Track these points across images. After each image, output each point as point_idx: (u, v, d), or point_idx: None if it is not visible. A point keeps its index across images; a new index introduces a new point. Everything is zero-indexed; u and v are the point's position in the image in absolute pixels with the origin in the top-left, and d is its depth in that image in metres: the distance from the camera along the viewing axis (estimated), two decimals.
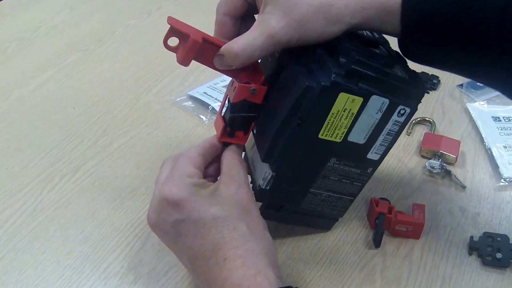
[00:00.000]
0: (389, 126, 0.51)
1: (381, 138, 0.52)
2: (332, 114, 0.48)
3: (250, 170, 0.57)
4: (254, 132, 0.54)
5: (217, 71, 0.51)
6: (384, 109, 0.49)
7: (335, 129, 0.49)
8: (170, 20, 0.48)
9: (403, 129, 0.52)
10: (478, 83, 0.83)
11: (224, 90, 0.82)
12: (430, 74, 0.86)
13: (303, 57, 0.49)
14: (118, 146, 0.74)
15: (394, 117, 0.50)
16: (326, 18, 0.46)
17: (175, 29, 0.48)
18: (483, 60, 0.47)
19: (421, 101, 0.51)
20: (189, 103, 0.81)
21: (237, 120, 0.53)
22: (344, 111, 0.48)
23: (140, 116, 0.79)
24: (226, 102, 0.54)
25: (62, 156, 0.72)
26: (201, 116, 0.79)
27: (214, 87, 0.83)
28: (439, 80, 0.86)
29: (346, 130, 0.49)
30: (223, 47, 0.49)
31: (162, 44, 0.49)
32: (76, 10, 1.06)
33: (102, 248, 0.60)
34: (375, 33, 0.53)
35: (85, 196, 0.66)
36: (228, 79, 0.83)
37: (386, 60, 0.49)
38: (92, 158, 0.72)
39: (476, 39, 0.45)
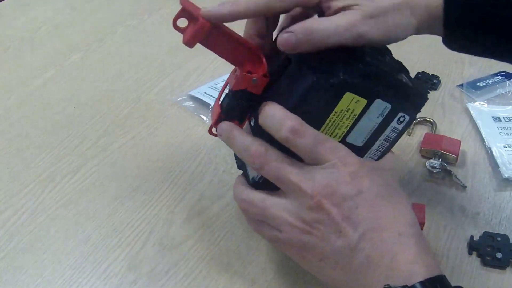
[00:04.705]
0: (387, 132, 0.51)
1: (378, 143, 0.52)
2: (335, 112, 0.48)
3: (242, 163, 0.57)
4: (252, 124, 0.54)
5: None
6: (385, 114, 0.50)
7: (336, 128, 0.49)
8: (183, 0, 0.48)
9: (400, 137, 0.52)
10: (478, 83, 0.84)
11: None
12: (430, 74, 0.86)
13: (312, 53, 0.49)
14: (119, 146, 0.74)
15: (393, 123, 0.51)
16: (404, 23, 0.50)
17: (186, 10, 0.48)
18: None
19: (420, 110, 0.52)
20: (190, 103, 0.82)
21: (234, 109, 0.53)
22: (347, 111, 0.48)
23: (141, 116, 0.79)
24: (226, 89, 0.54)
25: (63, 156, 0.72)
26: (202, 116, 0.79)
27: (215, 87, 0.83)
28: (440, 80, 0.86)
29: (346, 130, 0.50)
30: (301, 23, 0.47)
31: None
32: (77, 10, 1.07)
33: (102, 248, 0.60)
34: None
35: (86, 196, 0.66)
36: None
37: (392, 67, 0.49)
38: (93, 158, 0.72)
39: None
